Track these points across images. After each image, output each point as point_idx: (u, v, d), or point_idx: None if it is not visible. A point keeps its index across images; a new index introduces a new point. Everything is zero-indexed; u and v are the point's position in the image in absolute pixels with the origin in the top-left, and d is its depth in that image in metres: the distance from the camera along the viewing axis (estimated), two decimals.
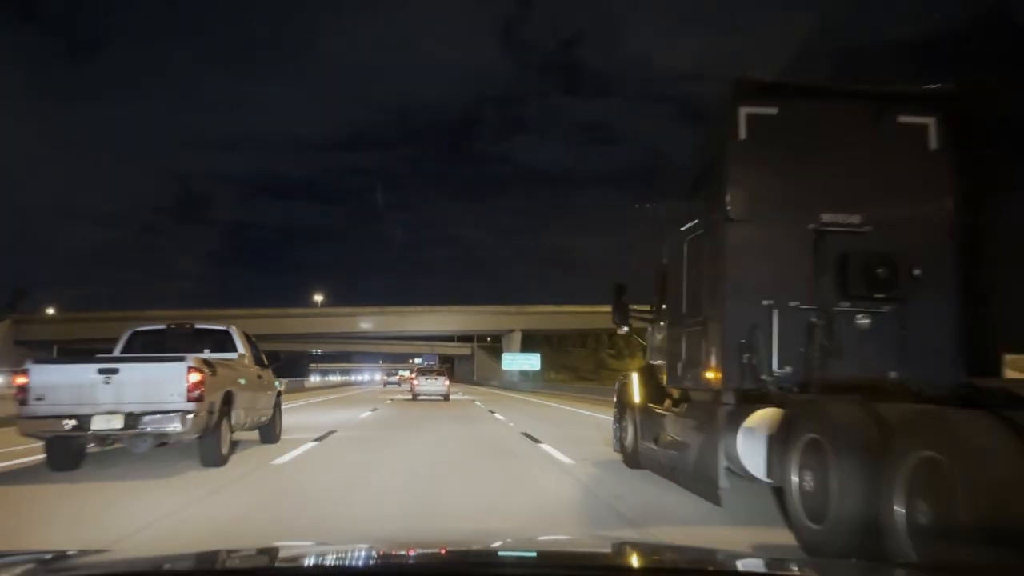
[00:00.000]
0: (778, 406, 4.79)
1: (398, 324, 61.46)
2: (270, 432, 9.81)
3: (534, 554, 1.98)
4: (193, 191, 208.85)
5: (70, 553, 1.78)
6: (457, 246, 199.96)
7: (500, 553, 1.95)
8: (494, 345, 77.40)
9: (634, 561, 1.80)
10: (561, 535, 3.55)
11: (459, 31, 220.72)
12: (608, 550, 2.08)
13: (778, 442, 4.53)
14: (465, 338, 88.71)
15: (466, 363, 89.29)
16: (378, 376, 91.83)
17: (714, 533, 4.76)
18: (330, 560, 1.77)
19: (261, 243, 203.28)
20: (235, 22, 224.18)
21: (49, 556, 1.73)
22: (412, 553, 1.85)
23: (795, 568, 1.68)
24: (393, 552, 1.90)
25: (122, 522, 4.90)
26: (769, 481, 4.74)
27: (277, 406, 10.11)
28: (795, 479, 4.30)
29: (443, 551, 1.93)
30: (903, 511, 3.35)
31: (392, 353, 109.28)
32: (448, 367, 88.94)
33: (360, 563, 1.72)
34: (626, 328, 7.98)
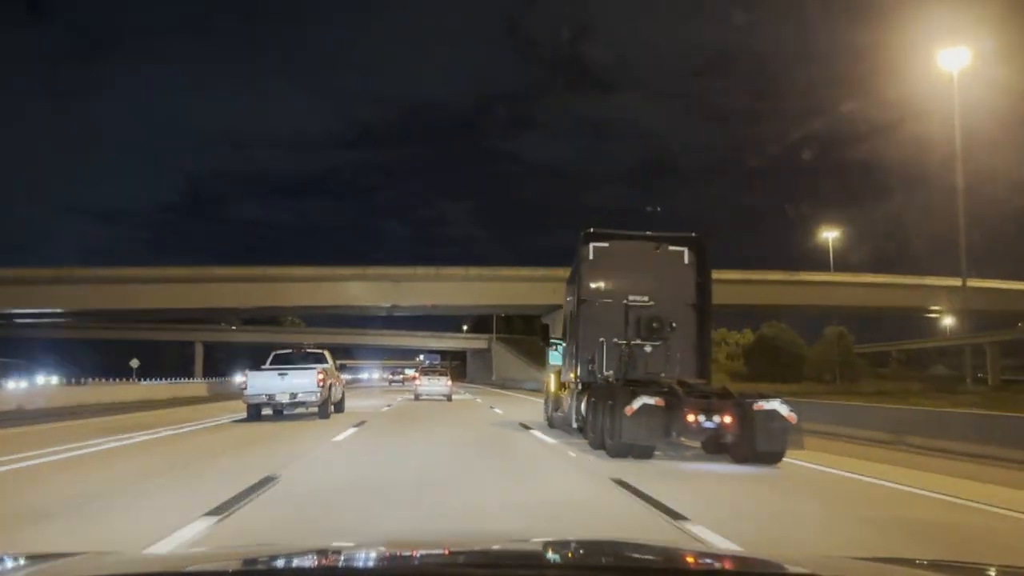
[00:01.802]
0: (585, 387, 11.01)
1: (392, 294, 43.18)
2: (341, 406, 17.24)
3: (535, 554, 2.07)
4: (199, 189, 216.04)
5: (70, 554, 1.95)
6: (465, 244, 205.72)
7: (501, 554, 2.06)
8: (518, 337, 69.06)
9: (635, 562, 1.94)
10: (562, 535, 3.77)
11: (465, 27, 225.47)
12: (609, 551, 2.15)
13: (585, 402, 10.70)
14: (480, 327, 79.68)
15: (481, 359, 78.27)
16: (376, 375, 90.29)
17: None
18: (333, 562, 1.90)
19: (268, 240, 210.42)
20: (241, 19, 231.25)
21: (49, 557, 1.89)
22: (416, 554, 2.01)
23: (796, 568, 1.79)
24: (398, 553, 2.05)
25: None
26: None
27: (343, 393, 17.45)
28: (588, 417, 10.44)
29: (446, 552, 2.07)
30: (603, 423, 9.48)
31: (393, 347, 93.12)
32: (457, 365, 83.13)
33: (363, 564, 1.84)
34: (551, 348, 14.17)
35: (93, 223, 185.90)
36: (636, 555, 2.05)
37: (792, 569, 1.77)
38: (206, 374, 64.38)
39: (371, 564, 1.83)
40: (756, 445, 8.66)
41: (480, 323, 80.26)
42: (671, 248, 11.88)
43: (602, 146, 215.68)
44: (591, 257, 11.78)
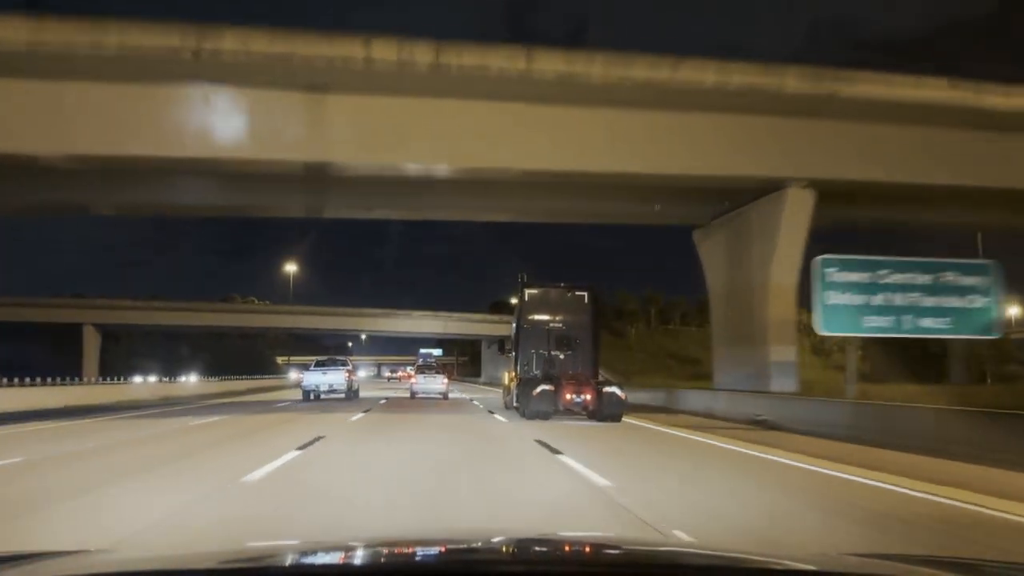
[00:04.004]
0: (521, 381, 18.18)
1: (311, 135, 15.45)
2: (358, 394, 26.31)
3: (534, 553, 2.13)
4: None
5: (63, 553, 2.03)
6: (463, 243, 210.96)
7: (498, 552, 2.12)
8: None
9: (634, 561, 1.97)
10: (560, 534, 3.96)
11: (465, 24, 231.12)
12: (609, 550, 2.23)
13: (519, 390, 17.79)
14: (499, 307, 66.79)
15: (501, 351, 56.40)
16: (363, 373, 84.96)
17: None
18: (329, 559, 1.95)
19: (268, 239, 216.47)
20: (239, 15, 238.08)
21: (49, 556, 1.95)
22: (412, 551, 2.09)
23: (797, 566, 1.85)
24: (396, 551, 2.11)
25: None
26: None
27: (359, 386, 26.74)
28: (519, 396, 17.48)
29: (443, 549, 2.15)
30: (523, 401, 16.54)
31: (379, 333, 74.41)
32: (465, 361, 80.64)
33: (360, 562, 1.89)
34: (507, 355, 21.19)
35: (87, 226, 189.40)
36: (635, 556, 2.09)
37: (793, 566, 1.82)
38: (106, 374, 44.34)
39: (361, 562, 1.89)
40: (603, 411, 15.70)
41: (498, 304, 68.20)
42: (576, 293, 18.94)
43: None
44: (527, 299, 18.86)
